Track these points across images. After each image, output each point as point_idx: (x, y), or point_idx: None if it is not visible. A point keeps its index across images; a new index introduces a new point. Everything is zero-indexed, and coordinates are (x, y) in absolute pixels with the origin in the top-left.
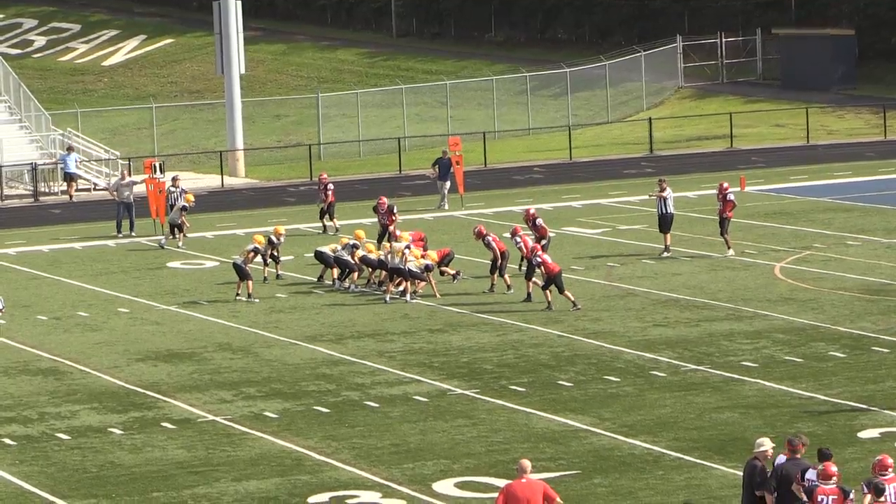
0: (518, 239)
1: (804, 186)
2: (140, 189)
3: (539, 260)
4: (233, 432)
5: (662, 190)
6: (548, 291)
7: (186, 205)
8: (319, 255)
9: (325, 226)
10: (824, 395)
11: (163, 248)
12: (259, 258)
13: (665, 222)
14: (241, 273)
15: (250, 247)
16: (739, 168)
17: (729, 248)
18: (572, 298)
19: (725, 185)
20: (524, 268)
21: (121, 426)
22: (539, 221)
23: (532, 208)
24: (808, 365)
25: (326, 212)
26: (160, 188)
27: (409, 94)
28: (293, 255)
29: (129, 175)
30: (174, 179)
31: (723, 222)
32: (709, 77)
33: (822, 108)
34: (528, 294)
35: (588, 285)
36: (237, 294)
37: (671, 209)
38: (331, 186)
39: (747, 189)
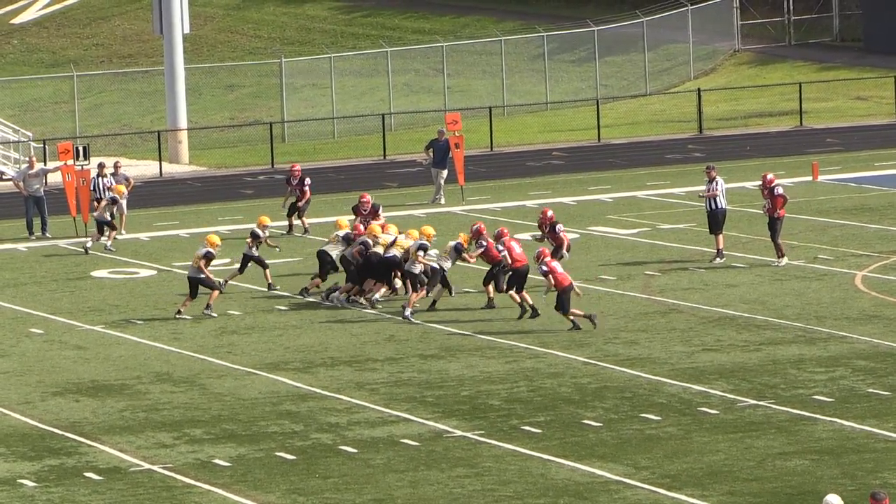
0: (501, 246)
1: (892, 175)
2: (56, 179)
3: (546, 269)
4: (174, 484)
5: (711, 180)
6: (524, 294)
7: (116, 196)
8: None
9: (291, 225)
10: None
11: (87, 252)
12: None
13: (716, 221)
14: (205, 284)
15: (202, 251)
16: (810, 152)
17: (782, 254)
18: (581, 313)
19: (770, 176)
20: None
21: (33, 477)
22: (559, 228)
23: (550, 210)
24: None
25: (297, 210)
26: (83, 178)
27: (396, 59)
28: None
29: (44, 163)
30: (115, 166)
31: (773, 223)
32: (772, 38)
33: None
34: (490, 300)
35: (621, 299)
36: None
37: (723, 204)
38: (308, 181)
39: (821, 178)
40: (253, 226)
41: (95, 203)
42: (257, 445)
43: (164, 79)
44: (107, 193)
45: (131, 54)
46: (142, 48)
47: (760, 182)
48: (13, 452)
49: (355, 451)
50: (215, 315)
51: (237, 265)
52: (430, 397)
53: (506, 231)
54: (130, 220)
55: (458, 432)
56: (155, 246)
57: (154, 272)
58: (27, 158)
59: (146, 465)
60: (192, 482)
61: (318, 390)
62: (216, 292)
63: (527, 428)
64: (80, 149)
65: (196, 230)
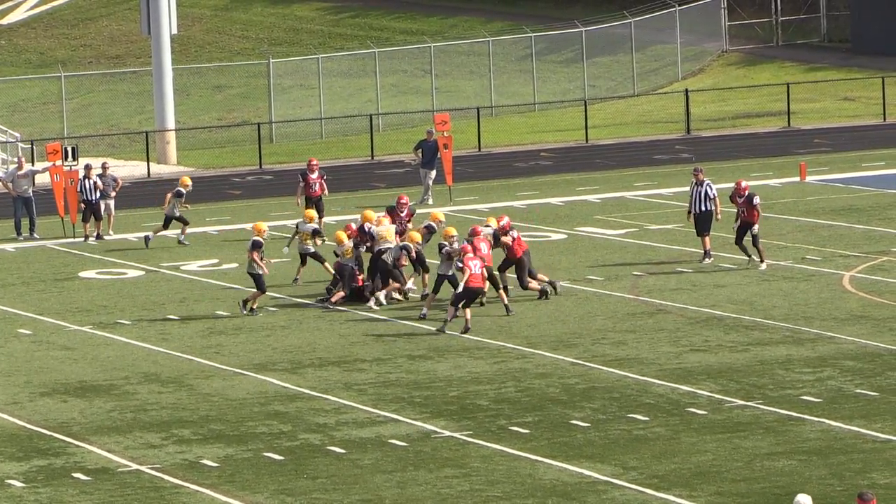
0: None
1: (880, 176)
2: (44, 180)
3: (460, 265)
4: (162, 485)
5: (700, 183)
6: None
7: (182, 189)
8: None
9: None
10: None
11: (147, 245)
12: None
13: (702, 222)
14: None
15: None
16: (798, 153)
17: (761, 260)
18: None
19: (745, 184)
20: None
21: (21, 478)
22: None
23: (506, 217)
24: (885, 400)
25: (319, 210)
26: (71, 178)
27: (384, 59)
28: (237, 261)
29: (31, 163)
30: (104, 167)
31: (748, 230)
32: (760, 38)
33: None
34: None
35: (609, 300)
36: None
37: (710, 206)
38: (324, 175)
39: (808, 179)
40: (305, 223)
41: (82, 204)
42: (245, 446)
43: (152, 79)
44: (94, 194)
45: (119, 55)
46: (129, 49)
47: (734, 187)
48: (1, 453)
49: (343, 451)
50: (257, 314)
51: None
52: (419, 398)
53: (479, 230)
54: (118, 220)
55: (446, 433)
56: (142, 246)
57: (142, 273)
58: (16, 159)
59: (134, 466)
60: (180, 483)
61: (306, 391)
62: (260, 294)
63: (515, 428)
64: (69, 149)
65: (188, 231)
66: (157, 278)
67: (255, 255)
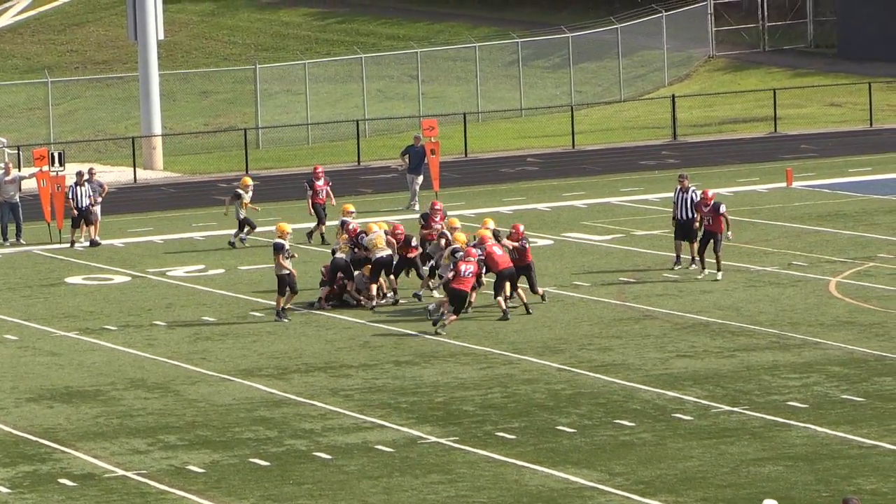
0: (481, 251)
1: (866, 181)
2: (30, 185)
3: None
4: (148, 491)
5: (685, 190)
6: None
7: (240, 192)
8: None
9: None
10: (891, 444)
11: (234, 246)
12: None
13: (687, 230)
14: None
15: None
16: (785, 158)
17: (718, 269)
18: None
19: (711, 193)
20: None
21: (7, 483)
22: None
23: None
24: (872, 406)
25: (323, 214)
26: (58, 184)
27: (370, 65)
28: (223, 267)
29: (19, 169)
30: (90, 172)
31: (712, 238)
32: (747, 44)
33: (890, 83)
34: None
35: (595, 306)
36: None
37: (691, 212)
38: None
39: (795, 185)
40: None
41: (75, 211)
42: (231, 452)
43: (139, 85)
44: (84, 202)
45: (106, 60)
46: (116, 54)
47: (700, 197)
48: None
49: (329, 457)
50: (287, 320)
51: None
52: (405, 403)
53: (487, 237)
54: (104, 225)
55: (433, 438)
56: (129, 252)
57: (128, 278)
58: (2, 164)
59: (120, 472)
60: (167, 488)
61: (293, 396)
62: (284, 298)
63: (501, 434)
64: (56, 155)
65: (170, 236)
66: (143, 284)
67: (280, 258)
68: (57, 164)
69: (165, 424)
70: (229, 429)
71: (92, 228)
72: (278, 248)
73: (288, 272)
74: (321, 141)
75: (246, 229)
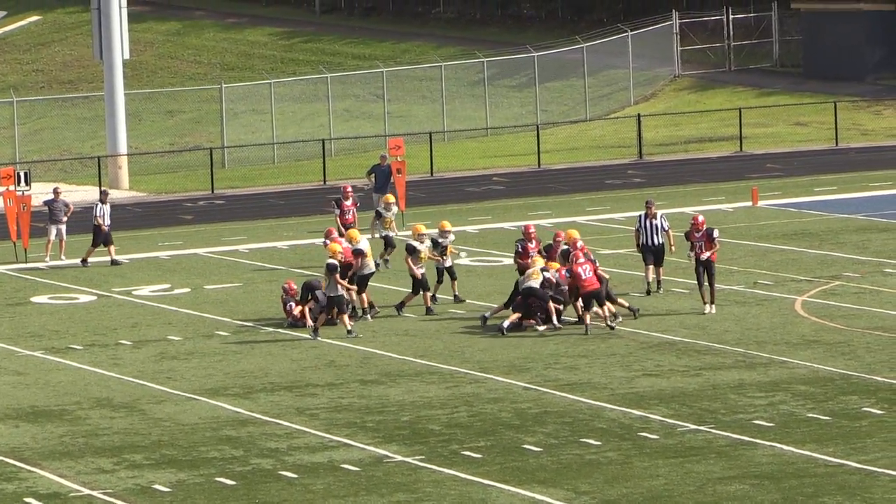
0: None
1: (832, 200)
2: None
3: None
4: None
5: (653, 216)
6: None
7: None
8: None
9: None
10: (857, 462)
11: (382, 268)
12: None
13: (658, 255)
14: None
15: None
16: (751, 177)
17: (710, 302)
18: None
19: (702, 218)
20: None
21: None
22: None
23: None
24: (838, 424)
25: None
26: (24, 203)
27: (336, 84)
28: (189, 286)
29: None
30: (55, 192)
31: (707, 268)
32: (712, 63)
33: (855, 103)
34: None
35: (561, 325)
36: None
37: (660, 238)
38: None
39: (761, 204)
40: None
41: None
42: (197, 471)
43: (105, 104)
44: (107, 220)
45: (72, 80)
46: (82, 74)
47: (690, 225)
48: None
49: (295, 476)
50: (356, 334)
51: None
52: (371, 422)
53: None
54: (70, 245)
55: (399, 457)
56: (95, 271)
57: (94, 297)
58: None
59: (86, 491)
60: None
61: (259, 415)
62: (345, 315)
63: (467, 453)
64: (22, 174)
65: (136, 255)
66: (109, 303)
67: (337, 277)
68: (23, 183)
69: (131, 444)
70: (195, 448)
71: (112, 248)
72: (332, 269)
73: (341, 293)
74: (287, 160)
75: (388, 249)
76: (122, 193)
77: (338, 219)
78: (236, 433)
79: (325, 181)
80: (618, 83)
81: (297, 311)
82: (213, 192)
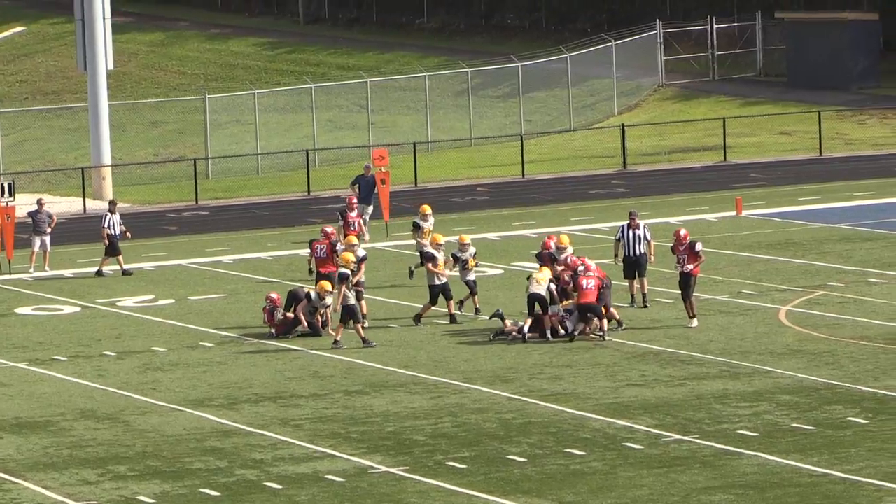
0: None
1: (816, 210)
2: None
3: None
4: None
5: (636, 227)
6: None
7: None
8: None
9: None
10: (842, 472)
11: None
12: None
13: (640, 266)
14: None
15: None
16: (735, 187)
17: (693, 315)
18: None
19: (684, 232)
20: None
21: None
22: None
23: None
24: (822, 434)
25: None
26: (8, 214)
27: (320, 95)
28: (173, 297)
29: None
30: (39, 203)
31: (688, 280)
32: (697, 73)
33: (839, 112)
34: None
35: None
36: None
37: (642, 248)
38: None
39: (745, 213)
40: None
41: (106, 240)
42: (182, 482)
43: (88, 115)
44: (117, 230)
45: (55, 91)
46: (66, 85)
47: (674, 239)
48: None
49: (280, 487)
50: (373, 344)
51: None
52: (355, 433)
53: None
54: (54, 256)
55: (383, 468)
56: (79, 282)
57: (78, 309)
58: None
59: (70, 502)
60: None
61: (243, 426)
62: (359, 325)
63: (451, 463)
64: (5, 185)
65: (120, 267)
66: (92, 314)
67: (345, 288)
68: (7, 194)
69: (115, 455)
70: (179, 459)
71: (121, 258)
72: (343, 278)
73: (354, 303)
74: (271, 171)
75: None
76: (106, 204)
77: (342, 231)
78: (221, 444)
79: (309, 192)
80: (602, 93)
81: (289, 314)
82: (196, 202)
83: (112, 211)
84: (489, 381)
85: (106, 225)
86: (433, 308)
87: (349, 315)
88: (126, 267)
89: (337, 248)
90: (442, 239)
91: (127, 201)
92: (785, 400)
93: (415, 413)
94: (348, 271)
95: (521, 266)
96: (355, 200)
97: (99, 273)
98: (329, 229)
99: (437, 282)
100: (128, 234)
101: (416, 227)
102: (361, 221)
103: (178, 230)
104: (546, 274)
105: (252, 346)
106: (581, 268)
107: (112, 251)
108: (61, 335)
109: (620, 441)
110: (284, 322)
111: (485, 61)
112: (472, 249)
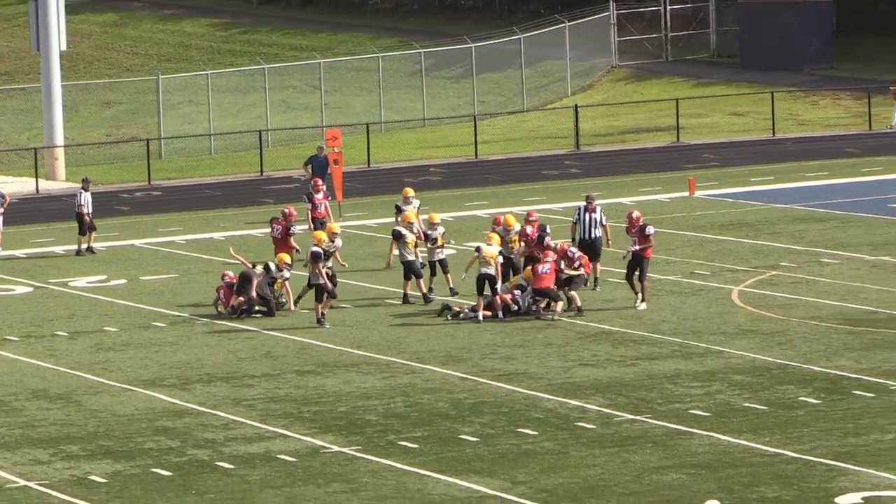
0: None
1: (768, 191)
2: None
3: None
4: (50, 501)
5: (592, 210)
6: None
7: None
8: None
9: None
10: (794, 452)
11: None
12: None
13: (595, 249)
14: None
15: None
16: (687, 167)
17: (643, 299)
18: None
19: (636, 214)
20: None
21: None
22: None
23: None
24: (774, 414)
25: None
26: None
27: (273, 75)
28: (125, 277)
29: None
30: None
31: (641, 263)
32: (650, 54)
33: (792, 93)
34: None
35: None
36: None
37: (598, 232)
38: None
39: (697, 194)
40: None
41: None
42: (133, 462)
43: (41, 96)
44: (90, 208)
45: (8, 71)
46: (19, 65)
47: (626, 222)
48: None
49: (232, 466)
50: (326, 326)
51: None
52: (307, 413)
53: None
54: (6, 236)
55: (335, 448)
56: (31, 263)
57: (30, 289)
58: None
59: (22, 482)
60: (69, 499)
61: (195, 406)
62: (322, 304)
63: (404, 443)
64: None
65: (72, 247)
66: (45, 294)
67: (319, 266)
68: None
69: (67, 435)
70: (131, 439)
71: (93, 234)
72: (316, 257)
73: (324, 281)
74: (224, 151)
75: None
76: (59, 185)
77: (309, 213)
78: (173, 424)
79: (262, 172)
80: (555, 74)
81: (233, 301)
82: (149, 183)
83: (85, 189)
84: (441, 361)
85: (82, 202)
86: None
87: (323, 293)
88: (93, 245)
89: (292, 230)
90: (414, 218)
91: (80, 181)
92: (737, 380)
93: (367, 393)
94: (320, 250)
95: (473, 246)
96: (321, 182)
97: (79, 252)
98: (290, 210)
99: (409, 257)
100: (0, 210)
101: (399, 210)
102: (328, 204)
103: (131, 210)
104: (495, 249)
105: (204, 327)
106: (576, 253)
107: (86, 228)
108: (13, 315)
109: (573, 421)
110: (239, 307)
111: (438, 42)
112: (441, 229)
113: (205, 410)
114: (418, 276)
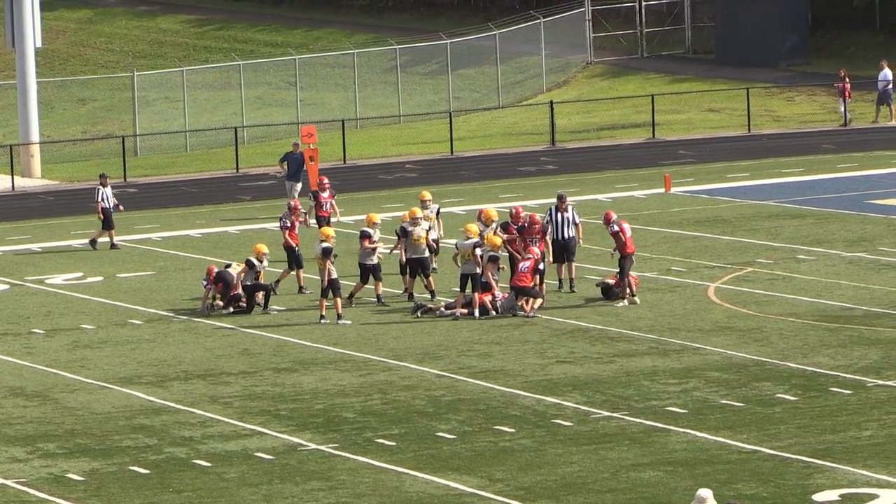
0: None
1: (744, 187)
2: None
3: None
4: (27, 499)
5: (564, 209)
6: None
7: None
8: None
9: None
10: (771, 449)
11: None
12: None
13: (569, 250)
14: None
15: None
16: (663, 164)
17: (633, 295)
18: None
19: (614, 215)
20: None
21: None
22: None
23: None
24: (751, 411)
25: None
26: None
27: (249, 72)
28: (101, 275)
29: None
30: None
31: (624, 262)
32: (625, 50)
33: (767, 89)
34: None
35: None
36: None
37: (570, 232)
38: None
39: (673, 190)
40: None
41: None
42: (111, 460)
43: (17, 92)
44: (110, 203)
45: None
46: None
47: (603, 220)
48: None
49: (209, 464)
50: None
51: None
52: (284, 410)
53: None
54: None
55: (313, 445)
56: (7, 260)
57: (6, 286)
58: None
59: (0, 480)
60: (46, 497)
61: (172, 404)
62: (338, 300)
63: (381, 441)
64: None
65: (49, 244)
66: (21, 292)
67: (328, 263)
68: None
69: (44, 432)
70: (109, 437)
71: (112, 232)
72: (326, 253)
73: (335, 277)
74: (199, 148)
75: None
76: (34, 182)
77: (315, 211)
78: (150, 422)
79: (237, 169)
80: (530, 70)
81: (208, 298)
82: (125, 180)
83: (104, 184)
84: (418, 359)
85: (99, 199)
86: (364, 287)
87: (333, 289)
88: (115, 241)
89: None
90: (378, 218)
91: (55, 179)
92: (714, 377)
93: (344, 390)
94: (330, 245)
95: (450, 243)
96: (326, 180)
97: (93, 243)
98: (296, 204)
99: (369, 261)
100: (120, 207)
101: (414, 222)
102: (333, 202)
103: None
104: (471, 243)
105: (181, 324)
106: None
107: (107, 224)
108: None
109: (550, 418)
110: (227, 304)
111: (413, 38)
112: (425, 224)
113: (182, 408)
114: (377, 279)
